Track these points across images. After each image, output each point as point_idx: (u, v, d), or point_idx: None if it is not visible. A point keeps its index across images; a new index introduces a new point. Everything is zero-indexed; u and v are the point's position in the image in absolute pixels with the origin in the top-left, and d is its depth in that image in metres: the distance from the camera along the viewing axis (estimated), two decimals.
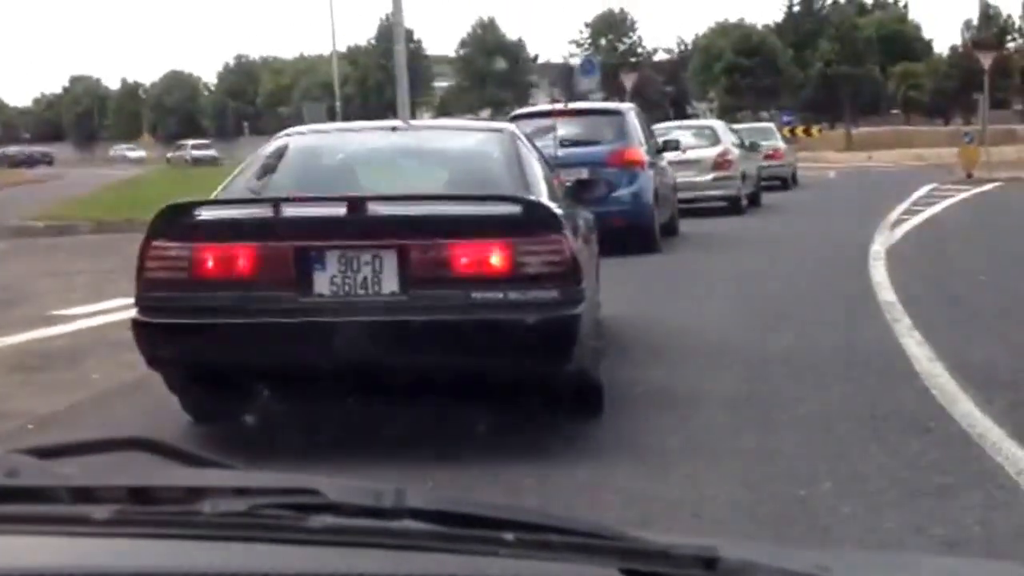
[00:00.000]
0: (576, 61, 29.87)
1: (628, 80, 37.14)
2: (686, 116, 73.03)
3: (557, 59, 78.45)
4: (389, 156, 6.00)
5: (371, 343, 4.64)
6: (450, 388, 4.81)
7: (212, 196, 5.42)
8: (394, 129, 6.51)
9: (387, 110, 37.32)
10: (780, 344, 6.92)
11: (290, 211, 4.76)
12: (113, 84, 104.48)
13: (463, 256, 4.63)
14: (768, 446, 4.75)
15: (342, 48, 77.24)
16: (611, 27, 76.83)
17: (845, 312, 8.16)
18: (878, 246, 12.53)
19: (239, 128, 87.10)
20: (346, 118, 68.19)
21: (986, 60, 35.60)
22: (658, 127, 17.58)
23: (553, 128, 12.08)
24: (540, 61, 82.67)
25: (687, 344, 7.00)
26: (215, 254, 4.70)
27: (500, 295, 4.58)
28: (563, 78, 68.58)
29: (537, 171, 5.74)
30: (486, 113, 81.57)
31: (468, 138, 6.40)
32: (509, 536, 0.93)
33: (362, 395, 4.91)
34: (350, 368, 4.70)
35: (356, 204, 4.66)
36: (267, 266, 4.68)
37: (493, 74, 77.43)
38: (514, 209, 4.72)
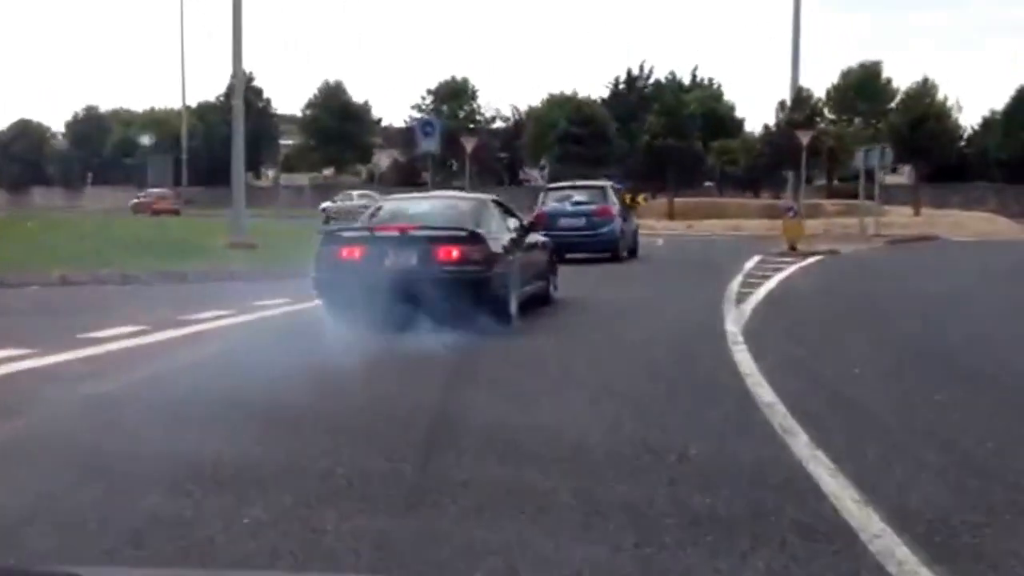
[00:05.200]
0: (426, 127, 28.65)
1: (468, 144, 35.77)
2: (519, 181, 72.26)
3: (399, 123, 76.89)
4: (424, 209, 11.87)
5: (408, 289, 9.97)
6: (438, 310, 9.84)
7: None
8: (426, 198, 13.26)
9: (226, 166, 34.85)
10: (661, 466, 5.11)
11: (376, 233, 10.74)
12: None
13: (444, 252, 10.29)
14: None
15: (192, 103, 74.24)
16: (453, 94, 75.59)
17: (725, 420, 6.34)
18: (731, 326, 11.08)
19: (84, 177, 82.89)
20: (192, 171, 65.36)
21: (805, 137, 35.58)
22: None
23: (570, 196, 23.30)
24: (383, 124, 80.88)
25: (547, 451, 5.20)
26: (347, 249, 10.51)
27: (459, 268, 10.24)
28: (405, 140, 67.04)
29: (490, 218, 11.51)
30: (329, 171, 79.47)
31: (460, 202, 12.32)
32: None
33: (403, 313, 9.92)
34: (399, 300, 9.93)
35: (403, 230, 10.63)
36: (366, 255, 10.41)
37: (337, 134, 75.44)
38: (465, 234, 10.48)
